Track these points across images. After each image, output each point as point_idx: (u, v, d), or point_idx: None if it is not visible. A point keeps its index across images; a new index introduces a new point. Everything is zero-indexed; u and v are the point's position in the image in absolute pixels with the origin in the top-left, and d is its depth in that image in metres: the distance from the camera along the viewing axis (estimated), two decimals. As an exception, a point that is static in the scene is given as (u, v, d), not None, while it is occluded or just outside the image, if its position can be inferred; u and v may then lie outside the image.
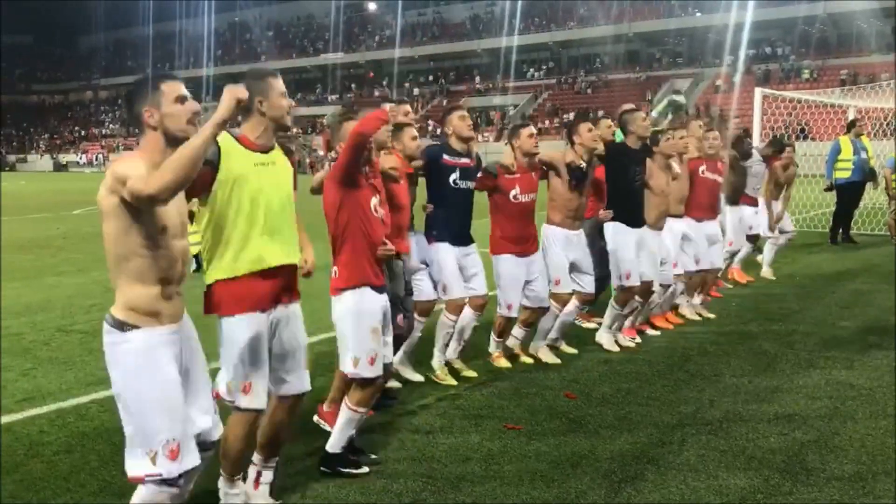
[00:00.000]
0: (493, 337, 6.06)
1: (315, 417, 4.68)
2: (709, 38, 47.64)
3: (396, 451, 4.34)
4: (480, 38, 58.02)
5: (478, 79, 57.71)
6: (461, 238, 5.63)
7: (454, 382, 5.61)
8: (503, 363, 6.00)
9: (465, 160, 5.55)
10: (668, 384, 5.52)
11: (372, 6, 66.39)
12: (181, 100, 2.84)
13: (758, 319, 7.52)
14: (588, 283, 6.26)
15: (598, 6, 53.35)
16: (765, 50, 48.77)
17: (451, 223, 5.58)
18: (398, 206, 4.80)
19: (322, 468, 4.03)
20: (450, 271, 5.56)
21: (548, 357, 6.12)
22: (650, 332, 6.94)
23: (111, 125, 70.38)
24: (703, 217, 7.42)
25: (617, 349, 6.39)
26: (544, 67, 56.94)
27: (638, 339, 6.66)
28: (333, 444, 4.04)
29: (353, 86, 62.43)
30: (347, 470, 4.02)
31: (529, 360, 6.11)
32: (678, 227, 7.14)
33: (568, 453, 4.28)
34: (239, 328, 3.35)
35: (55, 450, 4.34)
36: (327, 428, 4.46)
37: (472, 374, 5.79)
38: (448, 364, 5.80)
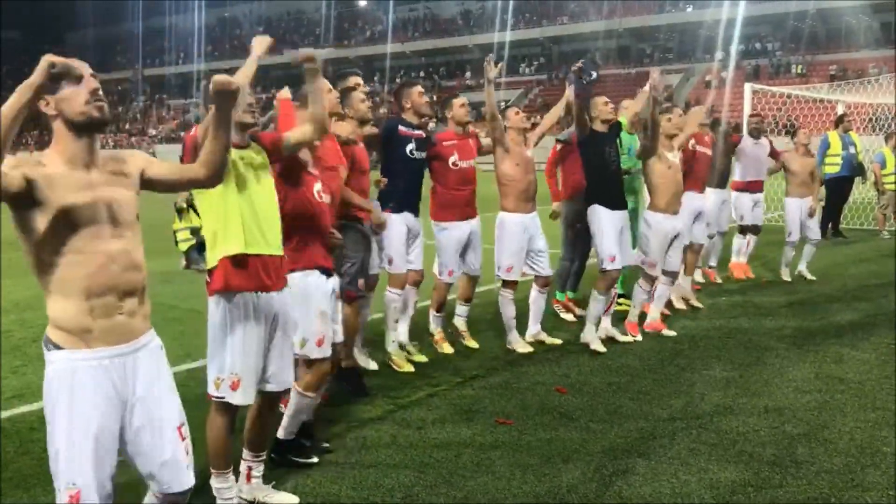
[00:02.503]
0: (431, 312, 6.24)
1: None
2: (699, 34, 47.77)
3: (388, 446, 4.35)
4: (472, 34, 57.98)
5: (469, 74, 57.65)
6: (414, 207, 5.77)
7: (411, 369, 5.74)
8: (446, 348, 6.14)
9: (419, 132, 5.71)
10: (659, 378, 5.54)
11: (362, 2, 66.23)
12: (76, 79, 2.47)
13: (747, 314, 7.55)
14: (544, 266, 6.35)
15: (589, 2, 53.42)
16: (755, 45, 48.92)
17: (407, 193, 5.69)
18: (361, 171, 5.03)
19: (272, 455, 4.03)
20: (397, 245, 5.66)
21: (522, 347, 6.21)
22: (667, 332, 6.73)
23: (101, 120, 69.92)
24: (693, 189, 7.44)
25: (603, 349, 6.21)
26: (535, 63, 56.93)
27: (639, 337, 6.58)
28: (284, 432, 4.05)
29: (343, 81, 62.20)
30: (298, 459, 4.04)
31: (475, 345, 6.27)
32: None
33: (559, 447, 4.29)
34: (225, 308, 3.38)
35: (45, 447, 4.30)
36: None
37: (422, 358, 5.93)
38: (401, 347, 5.93)
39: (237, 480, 3.67)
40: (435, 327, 6.26)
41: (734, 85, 33.86)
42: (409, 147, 5.61)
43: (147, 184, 2.72)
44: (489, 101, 5.98)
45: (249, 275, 3.40)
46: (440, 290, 6.17)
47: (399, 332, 5.93)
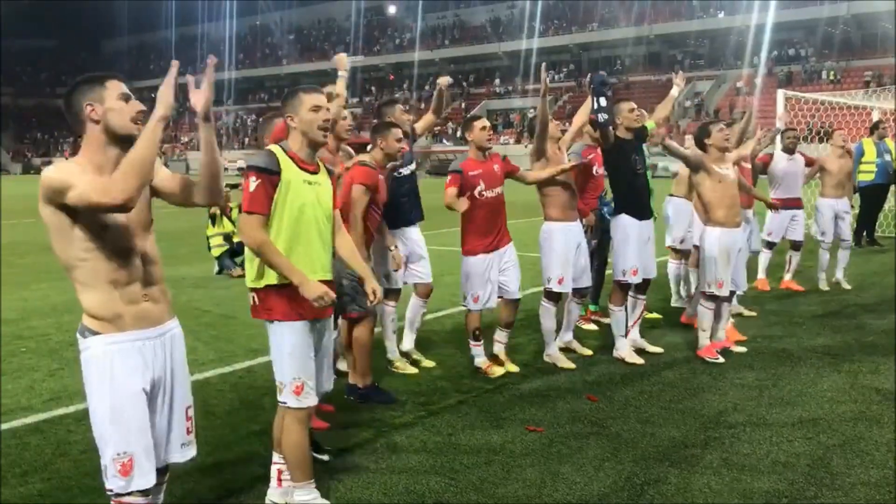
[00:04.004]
0: (471, 343, 5.88)
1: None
2: (730, 40, 47.40)
3: (418, 452, 4.36)
4: (501, 41, 58.06)
5: (498, 81, 57.76)
6: (409, 220, 5.81)
7: (415, 370, 5.89)
8: (497, 371, 5.79)
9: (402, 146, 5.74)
10: (691, 387, 5.50)
11: (392, 9, 66.63)
12: (125, 97, 2.72)
13: (781, 323, 7.46)
14: (585, 277, 6.25)
15: (619, 8, 53.23)
16: (787, 51, 48.41)
17: (398, 208, 5.69)
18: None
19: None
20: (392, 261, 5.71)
21: (564, 363, 6.04)
22: (736, 348, 6.43)
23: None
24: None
25: (641, 361, 6.10)
26: (565, 70, 56.83)
27: (720, 359, 6.15)
28: None
29: (373, 88, 62.70)
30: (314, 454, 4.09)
31: (515, 368, 5.84)
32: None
33: (590, 456, 4.27)
34: (289, 333, 3.44)
35: (82, 448, 4.39)
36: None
37: (430, 363, 6.06)
38: (405, 355, 6.07)
39: (269, 484, 3.70)
40: (479, 359, 5.87)
41: (766, 91, 33.49)
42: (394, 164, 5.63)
43: (152, 190, 2.91)
44: (543, 112, 5.76)
45: (292, 304, 3.42)
46: (472, 319, 5.83)
47: (405, 342, 6.08)
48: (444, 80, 6.04)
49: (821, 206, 9.41)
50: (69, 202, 2.55)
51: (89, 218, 2.62)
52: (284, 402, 3.50)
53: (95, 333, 2.71)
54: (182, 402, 2.91)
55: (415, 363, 6.02)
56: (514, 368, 5.86)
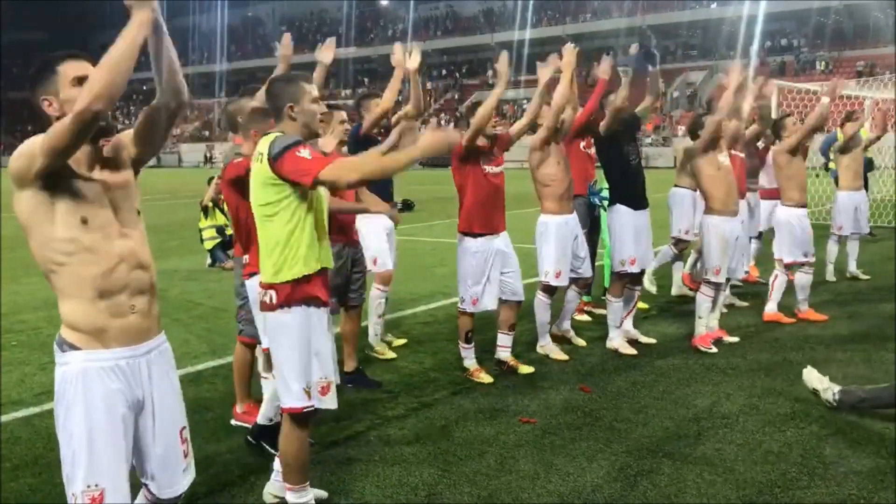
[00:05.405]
0: (461, 346, 5.60)
1: (233, 421, 4.70)
2: (723, 31, 47.43)
3: (411, 444, 4.35)
4: (493, 32, 57.94)
5: (491, 72, 57.59)
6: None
7: (394, 355, 6.04)
8: (484, 378, 5.46)
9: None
10: (684, 377, 5.50)
11: (384, 0, 66.40)
12: (81, 80, 2.35)
13: (774, 313, 7.45)
14: (586, 267, 6.20)
15: (612, -1, 53.24)
16: (780, 42, 48.48)
17: (380, 196, 5.62)
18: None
19: (250, 438, 4.25)
20: (379, 244, 5.86)
21: (557, 354, 6.01)
22: (728, 338, 6.41)
23: (125, 121, 70.76)
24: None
25: (634, 352, 6.09)
26: (557, 60, 56.71)
27: (713, 349, 6.14)
28: (264, 418, 4.22)
29: (365, 80, 62.50)
30: (270, 448, 4.06)
31: (530, 369, 5.61)
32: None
33: (583, 447, 4.27)
34: (298, 322, 3.30)
35: (74, 443, 4.37)
36: (248, 426, 4.50)
37: (401, 341, 6.36)
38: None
39: (260, 476, 3.68)
40: (468, 361, 5.58)
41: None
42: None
43: (137, 162, 2.62)
44: (563, 95, 5.61)
45: (321, 295, 3.34)
46: (464, 321, 5.53)
47: (378, 328, 6.17)
48: (414, 64, 5.73)
49: (841, 199, 9.08)
50: (39, 159, 2.25)
51: (66, 213, 2.35)
52: (311, 406, 3.30)
53: (74, 348, 2.43)
54: (174, 425, 2.64)
55: (389, 344, 6.25)
56: (529, 370, 5.58)
